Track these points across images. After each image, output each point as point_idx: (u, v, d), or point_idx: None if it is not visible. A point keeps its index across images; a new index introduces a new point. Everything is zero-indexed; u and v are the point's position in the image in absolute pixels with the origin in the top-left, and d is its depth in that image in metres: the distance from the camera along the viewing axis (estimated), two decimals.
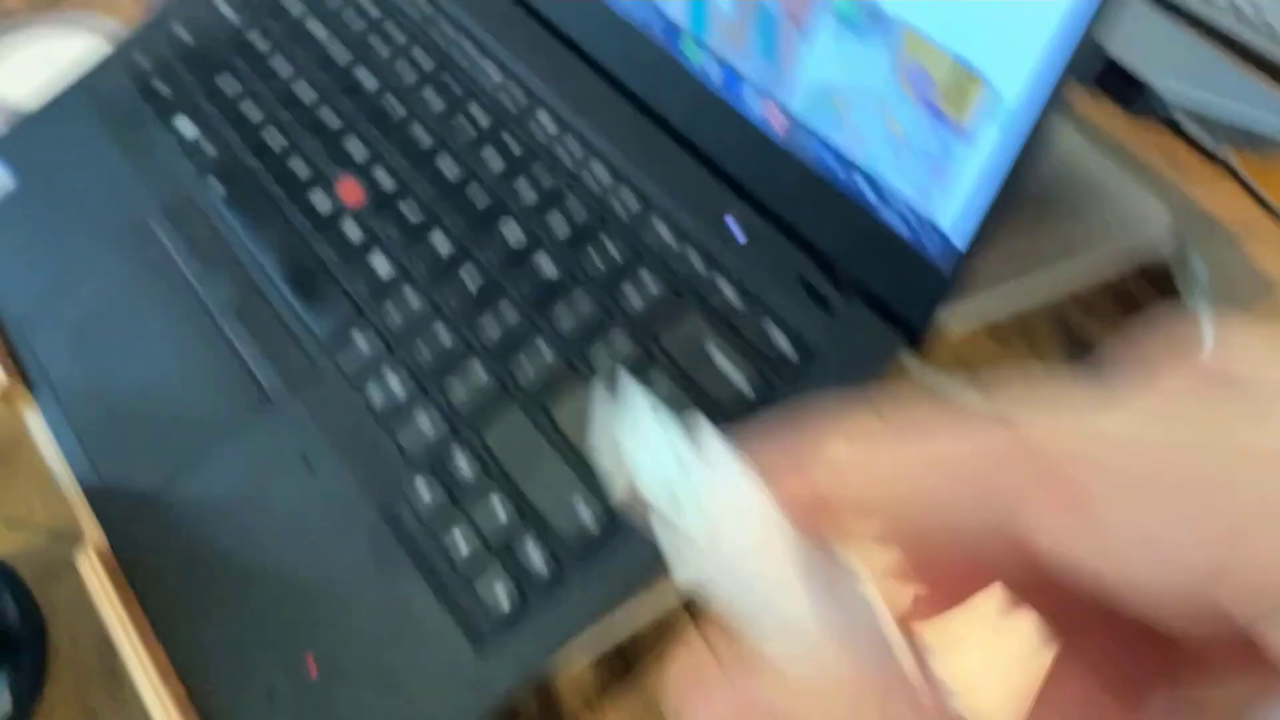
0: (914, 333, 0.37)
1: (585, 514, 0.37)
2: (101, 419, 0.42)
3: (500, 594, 0.36)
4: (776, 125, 0.40)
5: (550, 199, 0.43)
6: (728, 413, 0.37)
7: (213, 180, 0.46)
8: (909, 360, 0.50)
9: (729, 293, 0.40)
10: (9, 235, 0.47)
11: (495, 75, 0.47)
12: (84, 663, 0.39)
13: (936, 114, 0.35)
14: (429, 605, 0.36)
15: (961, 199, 0.35)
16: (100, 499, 0.40)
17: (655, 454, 0.19)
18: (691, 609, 0.44)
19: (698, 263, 0.40)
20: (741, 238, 0.40)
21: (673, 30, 0.42)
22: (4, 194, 0.48)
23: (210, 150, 0.48)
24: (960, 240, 0.36)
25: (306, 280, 0.43)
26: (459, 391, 0.40)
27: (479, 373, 0.40)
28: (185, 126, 0.48)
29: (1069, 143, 0.55)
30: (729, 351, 0.38)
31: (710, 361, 0.38)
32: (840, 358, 0.38)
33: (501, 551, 0.37)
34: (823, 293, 0.39)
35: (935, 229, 0.36)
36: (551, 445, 0.38)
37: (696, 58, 0.42)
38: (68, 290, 0.45)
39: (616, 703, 0.42)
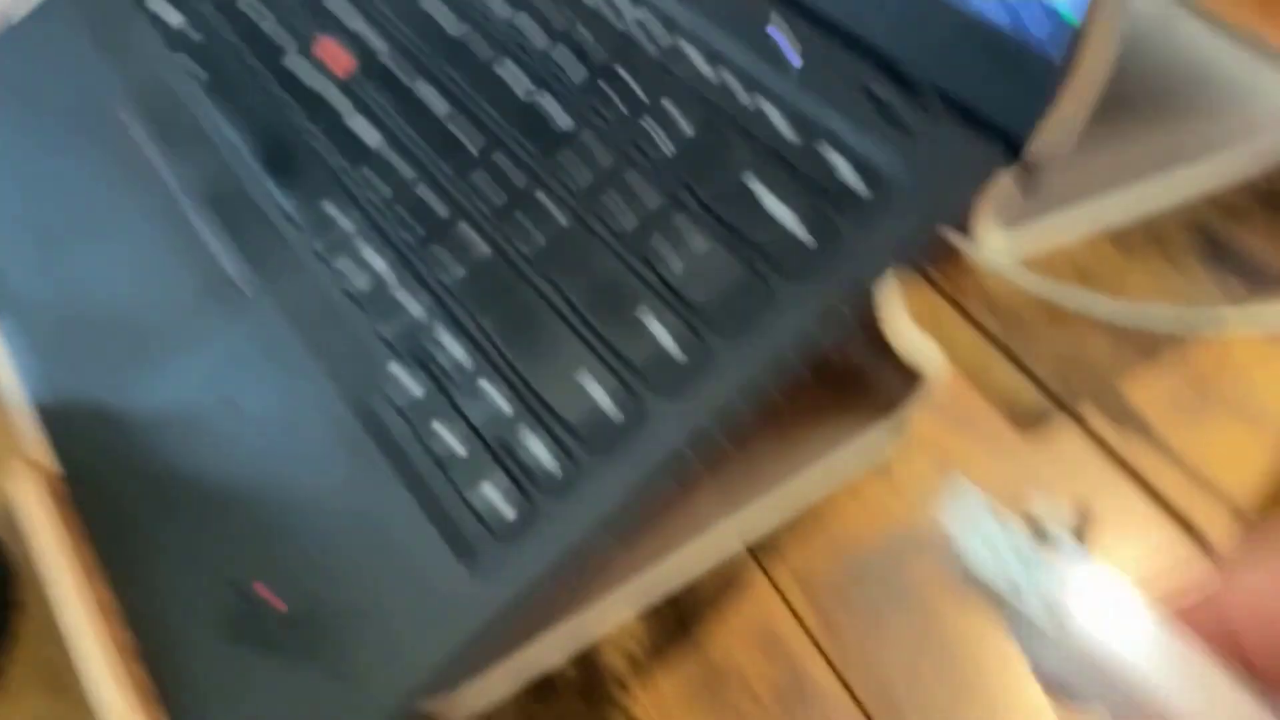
0: (1016, 145, 0.28)
1: (603, 397, 0.29)
2: (59, 326, 0.36)
3: (499, 499, 0.29)
4: None
5: (560, 36, 0.36)
6: (783, 264, 0.29)
7: (189, 62, 0.40)
8: (1022, 273, 0.41)
9: (777, 120, 0.31)
10: None
11: None
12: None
13: None
14: (414, 518, 0.29)
15: None
16: (52, 417, 0.34)
17: (994, 547, 0.20)
18: (759, 556, 0.36)
19: (738, 89, 0.32)
20: (793, 55, 0.32)
21: None
22: None
23: (192, 35, 0.41)
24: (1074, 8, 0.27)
25: (282, 156, 0.37)
26: (450, 263, 0.33)
27: (474, 239, 0.33)
28: (169, 14, 0.42)
29: (1196, 32, 0.46)
30: (779, 190, 0.30)
31: (756, 204, 0.30)
32: (923, 185, 0.29)
33: (499, 448, 0.29)
34: (896, 109, 0.30)
35: (1054, 14, 0.27)
36: (562, 320, 0.31)
37: None
38: (30, 191, 0.40)
39: (670, 667, 0.34)
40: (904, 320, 0.32)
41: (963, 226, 0.45)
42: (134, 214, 0.38)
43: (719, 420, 0.28)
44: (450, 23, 0.38)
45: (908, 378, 0.34)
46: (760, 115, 0.32)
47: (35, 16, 0.46)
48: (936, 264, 0.45)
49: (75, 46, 0.43)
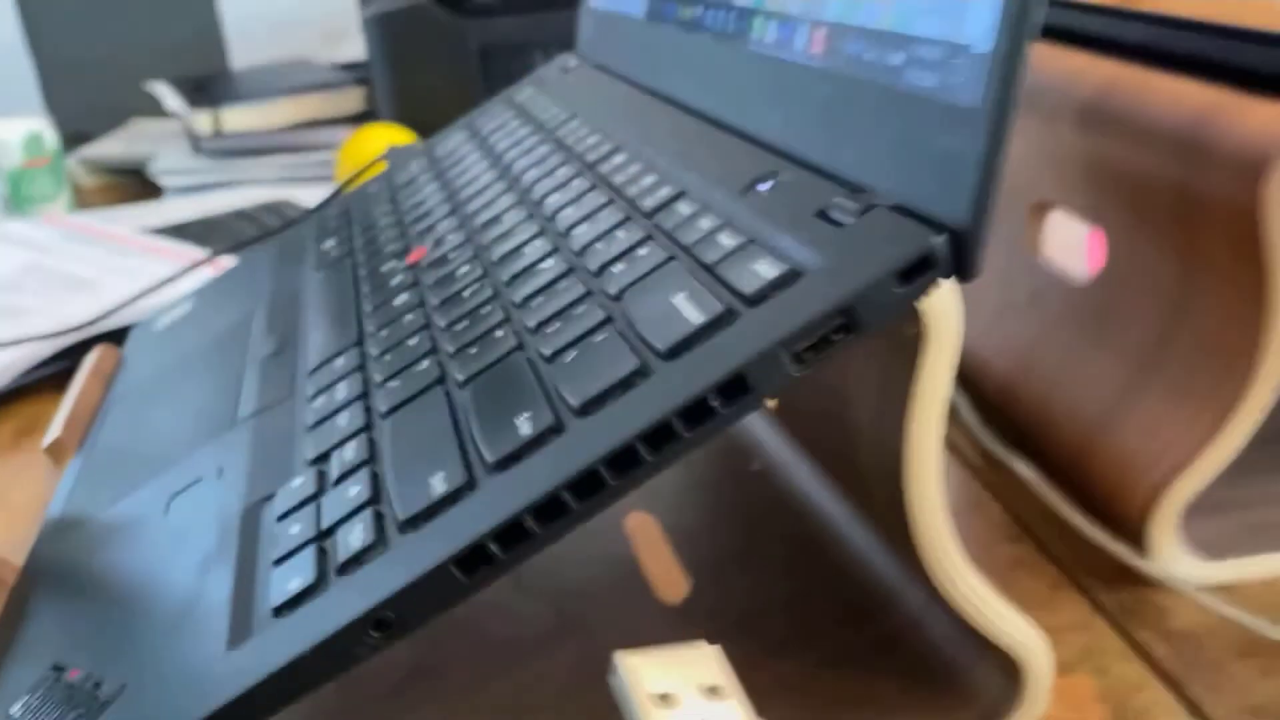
0: (958, 217, 0.23)
1: (439, 481, 0.25)
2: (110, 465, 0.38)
3: (292, 578, 0.25)
4: (817, 48, 0.29)
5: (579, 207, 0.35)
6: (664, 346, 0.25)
7: (317, 274, 0.44)
8: (1210, 597, 0.34)
9: (724, 240, 0.28)
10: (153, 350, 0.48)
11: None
12: None
13: None
14: (220, 599, 0.26)
15: None
16: (52, 525, 0.36)
17: None
18: None
19: (704, 223, 0.30)
20: (765, 189, 0.29)
21: (742, 16, 0.34)
22: (177, 317, 0.49)
23: (332, 255, 0.46)
24: (980, 37, 0.23)
25: (330, 319, 0.38)
26: (394, 387, 0.31)
27: (423, 369, 0.31)
28: (328, 245, 0.47)
29: None
30: (691, 287, 0.26)
31: (668, 305, 0.27)
32: (834, 268, 0.24)
33: (322, 535, 0.26)
34: (836, 215, 0.26)
35: (962, 51, 0.23)
36: (448, 424, 0.28)
37: (760, 31, 0.33)
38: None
39: None
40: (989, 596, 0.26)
41: (1135, 542, 0.37)
42: (207, 381, 0.40)
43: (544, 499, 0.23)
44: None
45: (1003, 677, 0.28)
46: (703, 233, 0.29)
47: (240, 266, 0.53)
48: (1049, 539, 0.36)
49: (260, 277, 0.49)
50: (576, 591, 0.37)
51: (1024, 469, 0.43)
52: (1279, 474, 0.41)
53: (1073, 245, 0.49)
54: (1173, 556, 0.37)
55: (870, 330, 0.23)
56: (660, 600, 0.36)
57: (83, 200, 0.95)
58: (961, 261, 0.23)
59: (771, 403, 0.46)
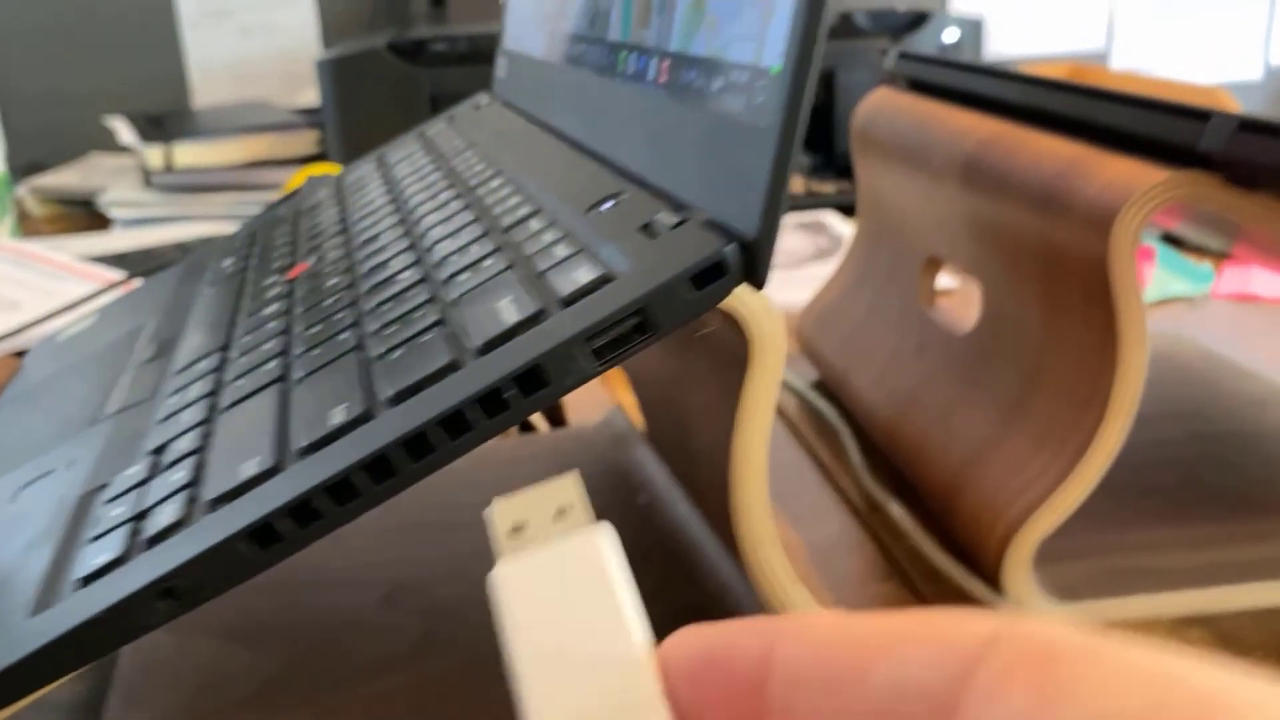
0: (751, 229, 0.24)
1: (249, 466, 0.26)
2: None
3: (101, 553, 0.25)
4: (663, 77, 0.31)
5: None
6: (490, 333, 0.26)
7: (207, 288, 0.45)
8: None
9: (559, 251, 0.29)
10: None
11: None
12: None
13: None
14: (34, 573, 0.26)
15: (784, 12, 0.24)
16: None
17: None
18: None
19: (547, 237, 0.31)
20: (608, 207, 0.30)
21: (612, 51, 0.36)
22: (77, 331, 0.50)
23: (229, 271, 0.46)
24: (774, 58, 0.24)
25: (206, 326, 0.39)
26: (239, 385, 0.32)
27: (267, 370, 0.32)
28: (227, 263, 0.48)
29: None
30: (517, 292, 0.27)
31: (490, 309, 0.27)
32: (642, 273, 0.25)
33: (140, 516, 0.27)
34: (656, 228, 0.27)
35: (761, 74, 0.25)
36: (275, 417, 0.28)
37: (623, 63, 0.34)
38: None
39: None
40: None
41: (992, 582, 0.38)
42: (88, 380, 0.41)
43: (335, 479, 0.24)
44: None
45: None
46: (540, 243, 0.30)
47: (145, 285, 0.53)
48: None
49: (165, 289, 0.50)
50: (446, 611, 0.37)
51: (897, 510, 0.44)
52: (1140, 522, 0.41)
53: (959, 297, 0.50)
54: (1026, 597, 0.38)
55: (665, 329, 0.24)
56: None
57: (31, 229, 0.96)
58: (752, 269, 0.24)
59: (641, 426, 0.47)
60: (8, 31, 1.10)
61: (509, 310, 0.26)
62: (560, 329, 0.24)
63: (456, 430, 0.24)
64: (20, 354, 0.55)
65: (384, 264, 0.36)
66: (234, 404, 0.30)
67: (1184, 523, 0.41)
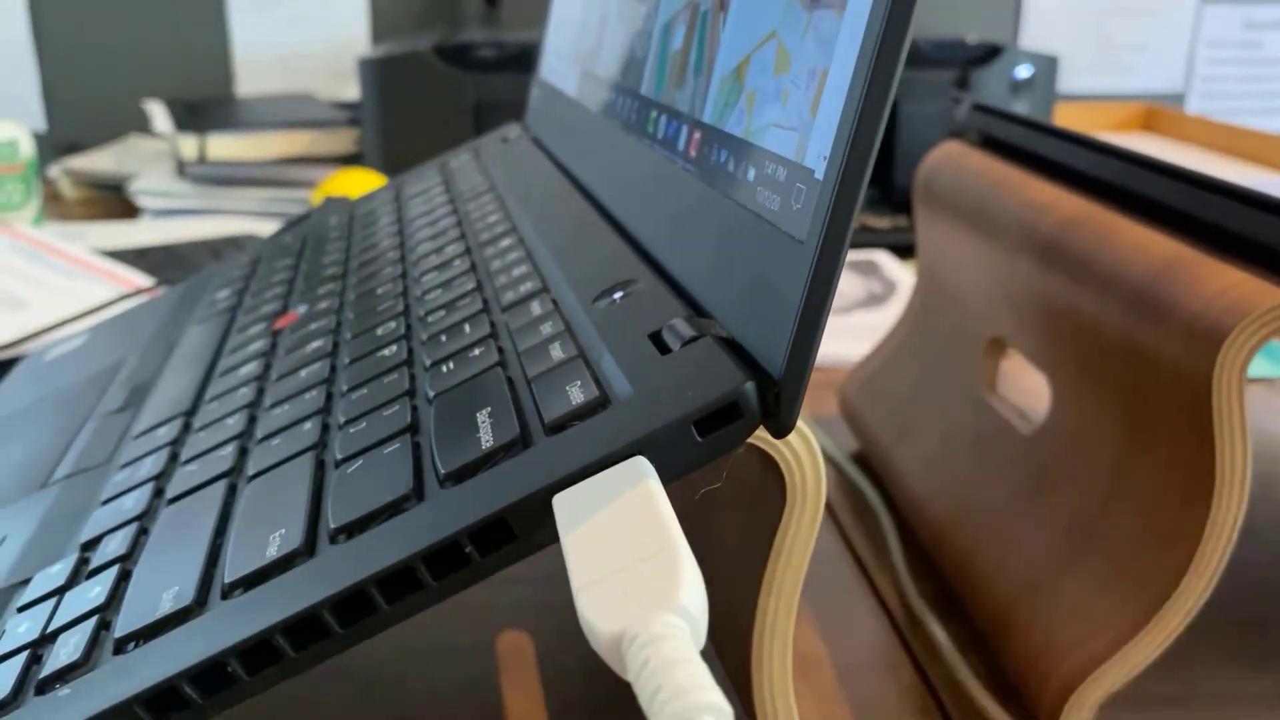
0: (775, 360, 0.20)
1: (168, 601, 0.22)
2: None
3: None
4: (692, 150, 0.26)
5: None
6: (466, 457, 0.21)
7: (197, 331, 0.41)
8: None
9: (555, 351, 0.25)
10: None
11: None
12: None
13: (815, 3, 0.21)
14: None
15: (834, 108, 0.19)
16: None
17: None
18: None
19: (545, 329, 0.26)
20: (618, 297, 0.26)
21: (644, 107, 0.31)
22: (65, 351, 0.46)
23: (218, 309, 0.43)
24: (818, 160, 0.19)
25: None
26: (189, 471, 0.28)
27: (221, 456, 0.28)
28: (221, 297, 0.44)
29: None
30: (499, 404, 0.23)
31: (470, 421, 0.23)
32: (642, 405, 0.21)
33: (44, 640, 0.23)
34: (667, 339, 0.22)
35: (802, 173, 0.20)
36: (210, 526, 0.24)
37: (654, 124, 0.30)
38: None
39: None
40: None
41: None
42: (50, 426, 0.37)
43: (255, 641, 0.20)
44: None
45: None
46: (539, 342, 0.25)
47: (139, 307, 0.49)
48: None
49: (160, 315, 0.46)
50: (422, 708, 0.33)
51: (939, 634, 0.39)
52: (1212, 668, 0.36)
53: (1030, 390, 0.45)
54: None
55: (665, 481, 0.20)
56: None
57: (61, 212, 0.93)
58: (773, 414, 0.20)
59: None
60: (53, 8, 1.08)
61: (486, 430, 0.22)
62: (539, 472, 0.20)
63: (398, 591, 0.20)
64: (9, 361, 0.52)
65: (370, 331, 0.32)
66: (175, 498, 0.26)
67: (1258, 673, 0.36)
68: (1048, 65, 0.87)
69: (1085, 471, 0.36)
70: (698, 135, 0.26)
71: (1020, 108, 0.85)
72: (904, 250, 0.80)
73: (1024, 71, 0.84)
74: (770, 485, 0.22)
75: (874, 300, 0.71)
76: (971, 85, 0.84)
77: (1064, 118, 0.92)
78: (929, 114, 0.83)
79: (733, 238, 0.23)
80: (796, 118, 0.21)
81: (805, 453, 0.21)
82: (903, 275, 0.76)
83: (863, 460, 0.51)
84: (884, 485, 0.48)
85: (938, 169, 0.48)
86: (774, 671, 0.24)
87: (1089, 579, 0.34)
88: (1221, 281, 0.30)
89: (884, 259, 0.79)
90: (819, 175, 0.19)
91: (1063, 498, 0.36)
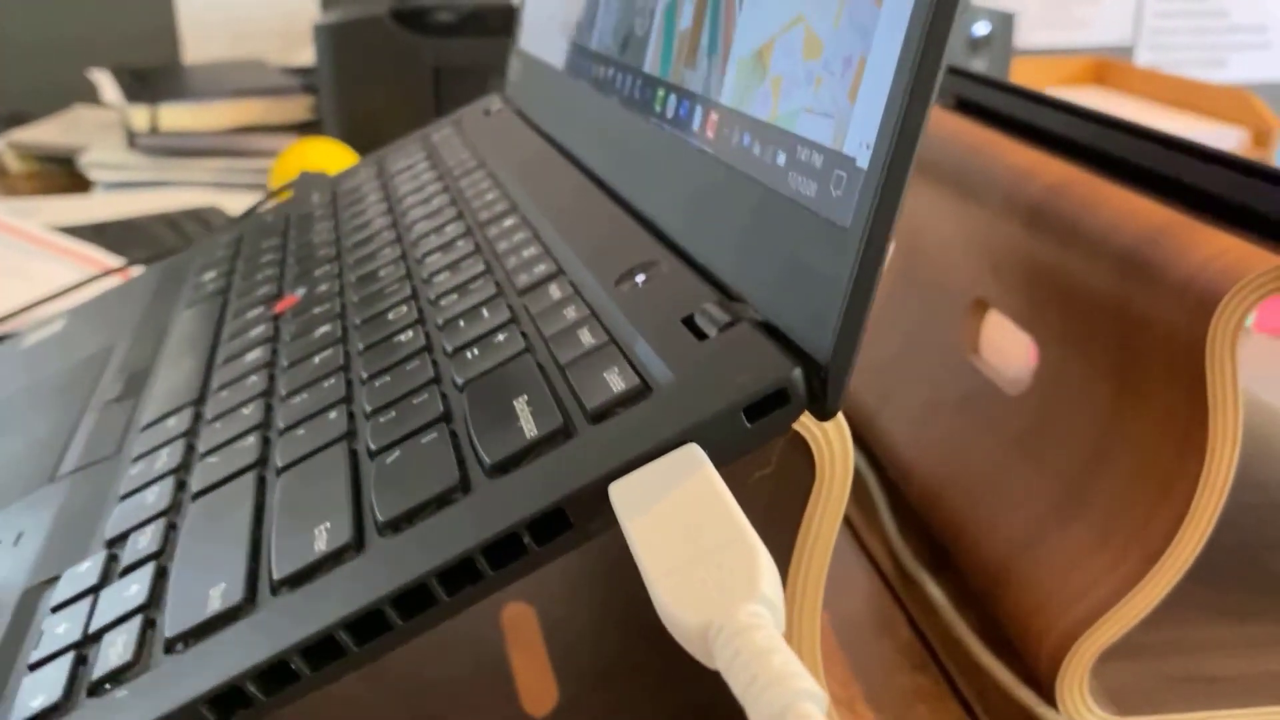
0: (818, 345, 0.20)
1: (217, 596, 0.22)
2: None
3: (38, 694, 0.22)
4: (710, 132, 0.26)
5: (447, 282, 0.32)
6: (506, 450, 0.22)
7: (188, 313, 0.41)
8: None
9: (584, 337, 0.25)
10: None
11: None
12: None
13: None
14: None
15: (876, 95, 0.20)
16: None
17: None
18: None
19: (570, 313, 0.26)
20: (640, 280, 0.26)
21: (647, 85, 0.31)
22: (44, 337, 0.46)
23: (208, 291, 0.42)
24: (860, 148, 0.20)
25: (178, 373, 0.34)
26: (212, 463, 0.28)
27: (247, 448, 0.28)
28: (209, 279, 0.44)
29: None
30: (536, 391, 0.23)
31: (509, 411, 0.23)
32: (688, 392, 0.21)
33: (87, 640, 0.23)
34: (702, 324, 0.23)
35: (842, 161, 0.20)
36: (247, 521, 0.24)
37: (661, 103, 0.30)
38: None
39: None
40: None
41: (1041, 687, 0.34)
42: (46, 416, 0.36)
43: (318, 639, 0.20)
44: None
45: None
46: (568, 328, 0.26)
47: (121, 287, 0.49)
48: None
49: (138, 299, 0.45)
50: (436, 690, 0.33)
51: (935, 591, 0.40)
52: (1197, 617, 0.38)
53: (1009, 350, 0.46)
54: (1081, 712, 0.34)
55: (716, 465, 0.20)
56: (524, 710, 0.33)
57: (8, 187, 0.91)
58: (819, 397, 0.20)
59: None
60: None
61: (527, 419, 0.22)
62: (591, 462, 0.20)
63: (458, 582, 0.20)
64: None
65: (380, 315, 0.32)
66: (202, 492, 0.26)
67: (1246, 619, 0.38)
68: (1004, 21, 0.88)
69: (1076, 430, 0.37)
70: (715, 116, 0.26)
71: (978, 64, 0.86)
72: None
73: (981, 28, 0.85)
74: (798, 464, 0.23)
75: None
76: None
77: (1018, 74, 0.93)
78: None
79: (762, 222, 0.23)
80: (831, 104, 0.21)
81: (835, 433, 0.22)
82: None
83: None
84: (868, 449, 0.49)
85: None
86: (802, 647, 0.25)
87: (1083, 535, 0.35)
88: (1213, 246, 0.31)
89: None
90: (862, 164, 0.20)
91: (1053, 455, 0.37)
